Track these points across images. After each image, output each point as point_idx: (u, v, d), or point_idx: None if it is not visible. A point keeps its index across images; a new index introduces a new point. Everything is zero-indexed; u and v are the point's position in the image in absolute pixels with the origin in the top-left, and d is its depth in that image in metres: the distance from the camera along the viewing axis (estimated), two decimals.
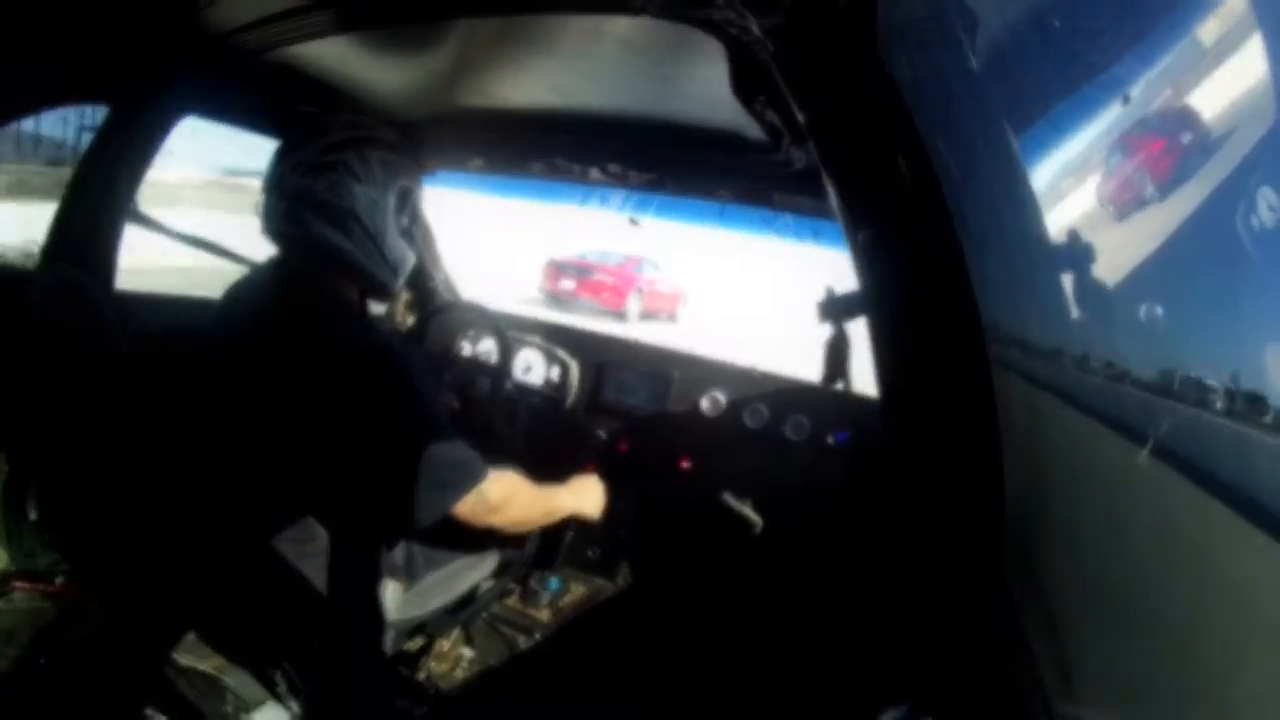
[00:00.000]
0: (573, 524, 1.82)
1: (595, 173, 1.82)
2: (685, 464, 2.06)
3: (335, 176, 1.26)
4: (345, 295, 1.32)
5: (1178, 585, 0.83)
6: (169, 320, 1.64)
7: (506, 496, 1.29)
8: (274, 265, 1.33)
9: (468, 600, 1.61)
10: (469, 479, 1.24)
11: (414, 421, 1.22)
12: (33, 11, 1.24)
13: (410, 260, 1.39)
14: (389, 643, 1.40)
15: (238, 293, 1.36)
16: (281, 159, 1.29)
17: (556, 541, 2.12)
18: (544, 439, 2.14)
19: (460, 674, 1.84)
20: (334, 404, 1.18)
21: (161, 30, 1.36)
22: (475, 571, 1.58)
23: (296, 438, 1.21)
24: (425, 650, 1.80)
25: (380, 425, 1.19)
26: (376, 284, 1.35)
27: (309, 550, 1.26)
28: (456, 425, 1.28)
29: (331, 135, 1.29)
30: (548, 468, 1.52)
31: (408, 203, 1.35)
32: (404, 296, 2.40)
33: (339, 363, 1.20)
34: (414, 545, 1.44)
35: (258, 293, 1.33)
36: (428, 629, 1.61)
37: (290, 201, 1.26)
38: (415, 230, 1.38)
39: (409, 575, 1.44)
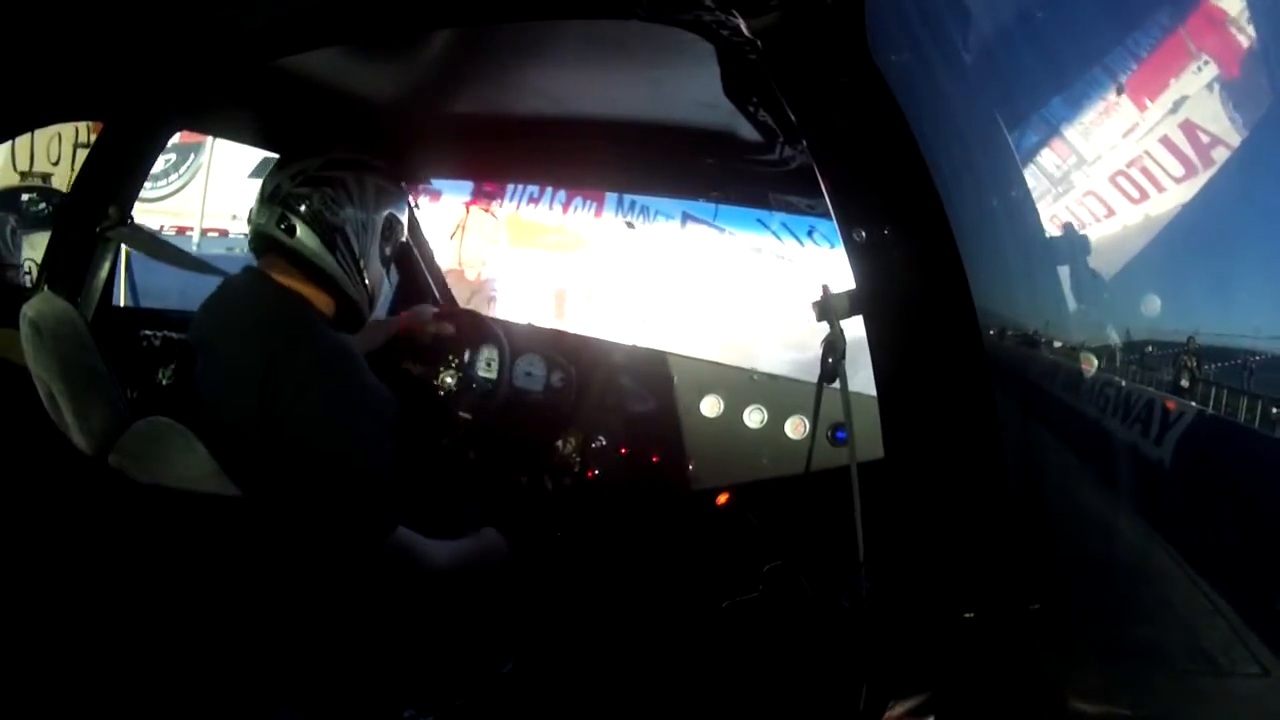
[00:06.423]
0: (567, 528, 1.81)
1: (590, 178, 1.82)
2: (688, 466, 2.07)
3: (331, 192, 1.32)
4: (320, 307, 1.34)
5: (1179, 582, 0.82)
6: (170, 332, 1.65)
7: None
8: (254, 272, 1.36)
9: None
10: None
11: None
12: (24, 28, 1.24)
13: (383, 290, 1.44)
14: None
15: (215, 300, 1.39)
16: (280, 169, 1.35)
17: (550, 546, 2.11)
18: (546, 444, 2.14)
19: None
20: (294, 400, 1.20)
21: (153, 46, 1.36)
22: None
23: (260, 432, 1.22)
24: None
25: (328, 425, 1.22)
26: (349, 305, 1.37)
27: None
28: (461, 433, 1.28)
29: (333, 154, 1.35)
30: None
31: (393, 233, 1.42)
32: None
33: (304, 359, 1.23)
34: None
35: (235, 298, 1.36)
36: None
37: (283, 209, 1.30)
38: (391, 261, 1.45)
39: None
